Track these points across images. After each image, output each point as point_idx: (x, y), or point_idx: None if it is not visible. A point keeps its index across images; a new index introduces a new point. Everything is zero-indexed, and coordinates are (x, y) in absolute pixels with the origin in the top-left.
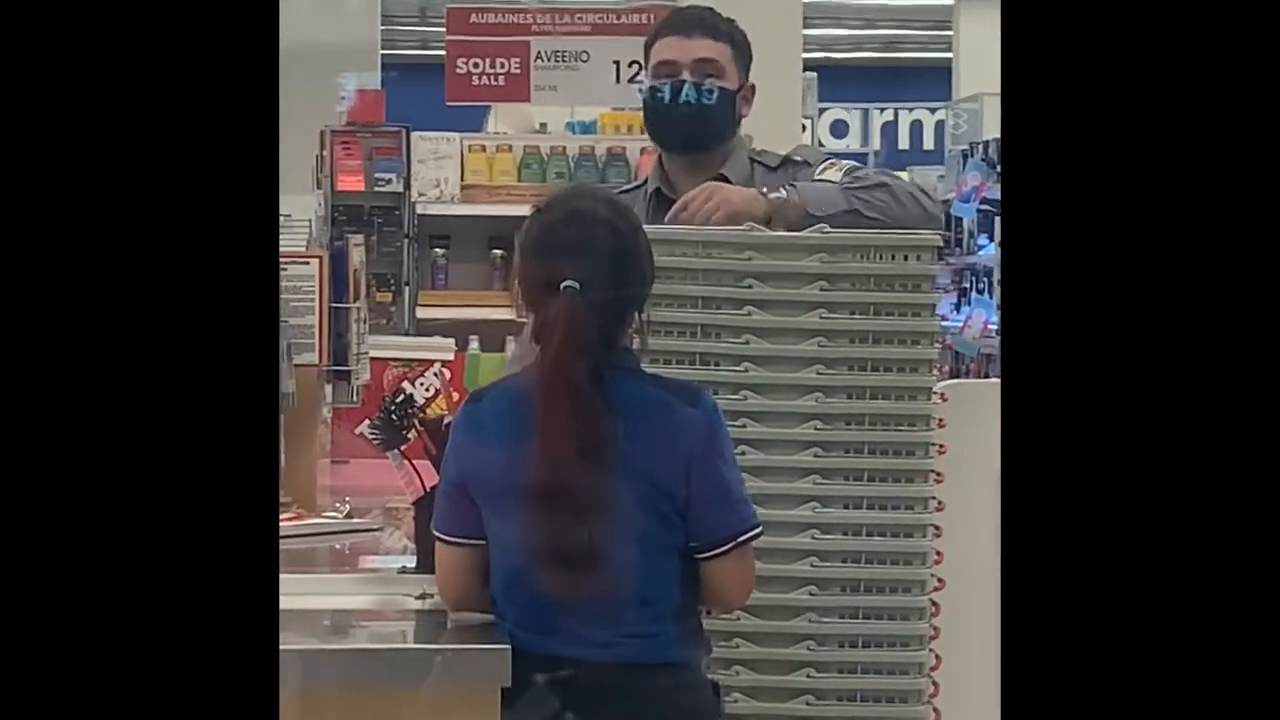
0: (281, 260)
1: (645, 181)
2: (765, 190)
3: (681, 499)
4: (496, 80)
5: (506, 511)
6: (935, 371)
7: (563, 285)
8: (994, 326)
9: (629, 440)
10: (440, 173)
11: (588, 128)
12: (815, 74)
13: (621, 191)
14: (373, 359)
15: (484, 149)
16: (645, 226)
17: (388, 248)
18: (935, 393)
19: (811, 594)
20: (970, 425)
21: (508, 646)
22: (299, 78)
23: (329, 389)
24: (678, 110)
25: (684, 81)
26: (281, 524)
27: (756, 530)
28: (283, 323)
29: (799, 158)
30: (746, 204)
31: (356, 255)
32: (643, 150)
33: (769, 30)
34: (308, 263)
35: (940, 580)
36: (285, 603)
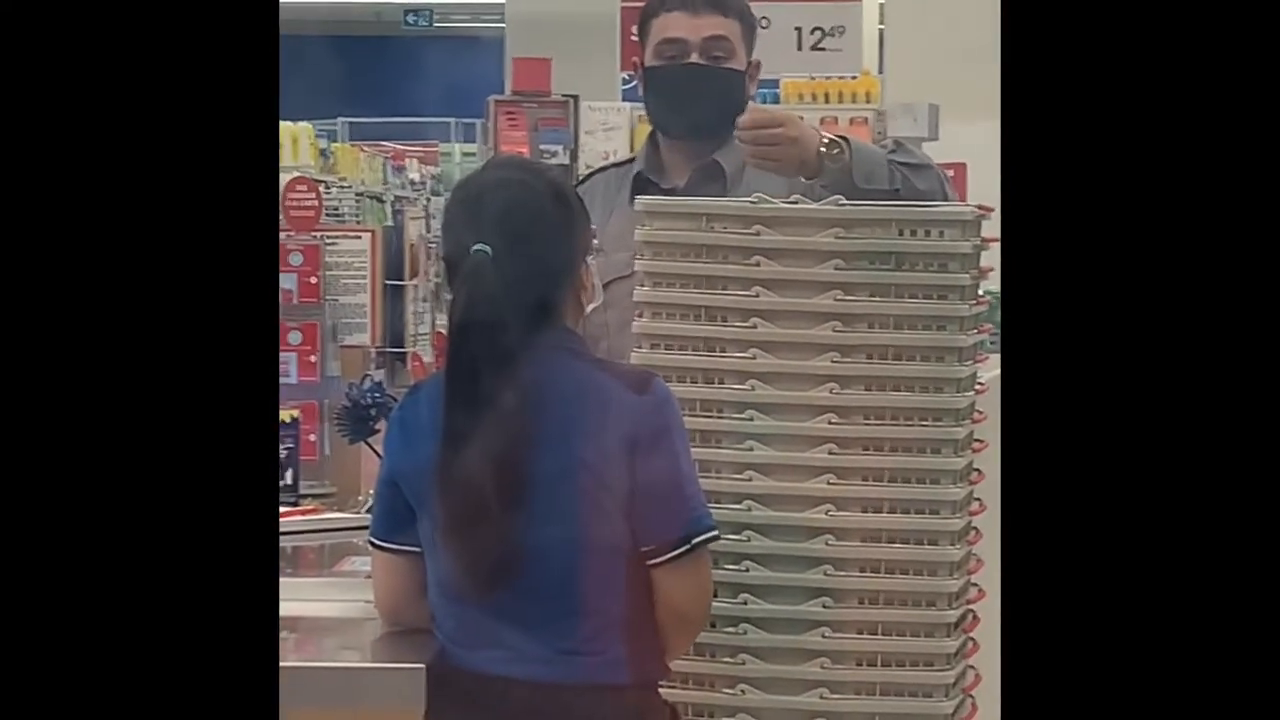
0: (330, 235)
1: (634, 159)
2: (824, 146)
3: (624, 494)
4: None
5: (433, 512)
6: (968, 361)
7: (473, 249)
8: None
9: (559, 426)
10: (609, 145)
11: (770, 97)
12: None
13: (605, 168)
14: None
15: None
16: (641, 198)
17: None
18: (979, 383)
19: (825, 605)
20: None
21: (421, 666)
22: None
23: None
24: (685, 94)
25: (693, 64)
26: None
27: (710, 534)
28: (331, 301)
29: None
30: (810, 156)
31: (414, 230)
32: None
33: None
34: (359, 237)
35: (980, 589)
36: None
